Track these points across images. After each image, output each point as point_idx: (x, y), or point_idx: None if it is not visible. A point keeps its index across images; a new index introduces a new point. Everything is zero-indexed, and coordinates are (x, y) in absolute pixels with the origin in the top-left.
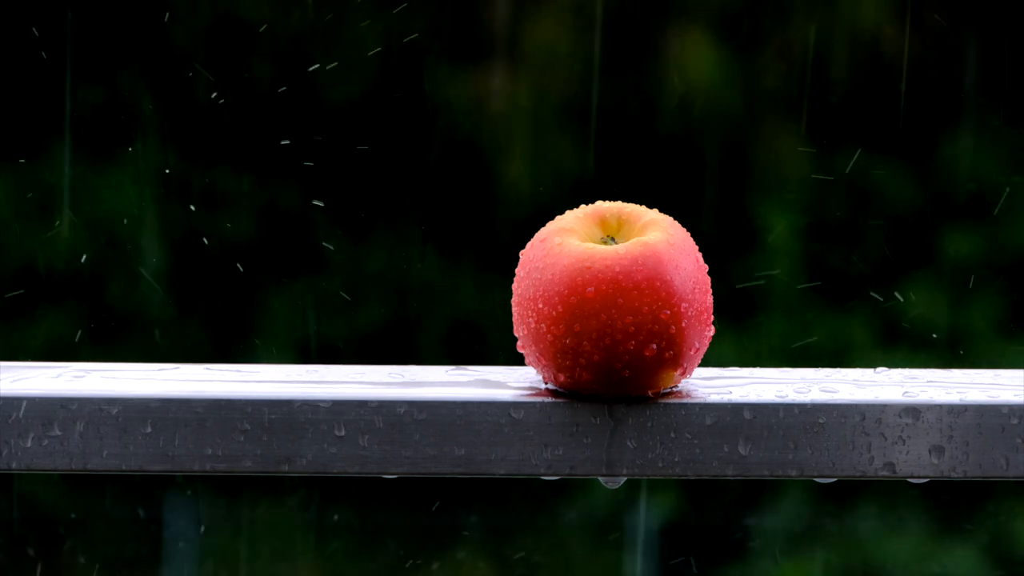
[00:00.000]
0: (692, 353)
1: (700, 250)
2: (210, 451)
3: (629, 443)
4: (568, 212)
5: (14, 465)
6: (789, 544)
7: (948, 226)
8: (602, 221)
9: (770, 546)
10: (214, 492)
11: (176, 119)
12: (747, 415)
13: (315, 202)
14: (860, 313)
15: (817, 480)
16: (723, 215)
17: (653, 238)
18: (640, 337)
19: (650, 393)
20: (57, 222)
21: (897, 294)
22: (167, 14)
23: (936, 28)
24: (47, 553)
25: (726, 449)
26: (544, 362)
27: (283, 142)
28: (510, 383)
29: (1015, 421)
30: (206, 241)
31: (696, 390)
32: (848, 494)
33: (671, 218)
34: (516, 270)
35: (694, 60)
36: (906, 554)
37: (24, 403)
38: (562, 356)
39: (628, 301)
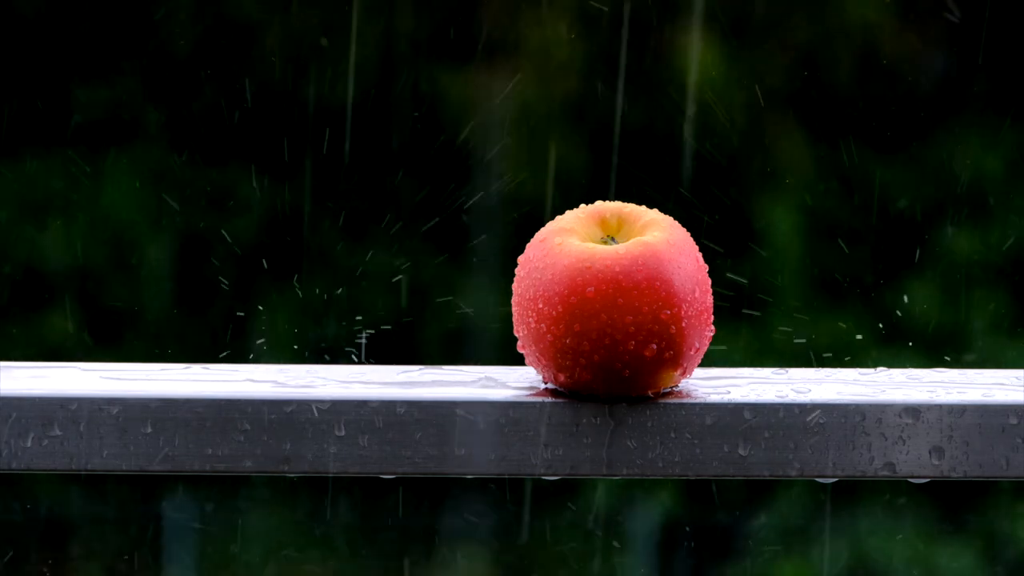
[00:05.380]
0: (692, 353)
1: (700, 250)
2: (210, 451)
3: (629, 443)
4: (568, 212)
5: (14, 465)
6: (789, 543)
7: (949, 225)
8: (602, 221)
9: (770, 546)
10: (214, 492)
11: (176, 119)
12: (747, 415)
13: (315, 202)
14: (860, 313)
15: (817, 480)
16: (723, 215)
17: (653, 238)
18: (640, 337)
19: (650, 393)
20: (57, 222)
21: (897, 293)
22: (166, 15)
23: (937, 25)
24: (47, 553)
25: (726, 449)
26: (544, 362)
27: (283, 142)
28: (510, 383)
29: (1015, 421)
30: (206, 241)
31: (696, 390)
32: (848, 494)
33: (671, 218)
34: (516, 270)
35: (695, 59)
36: (906, 554)
37: (24, 403)
38: (562, 356)
39: (628, 301)
